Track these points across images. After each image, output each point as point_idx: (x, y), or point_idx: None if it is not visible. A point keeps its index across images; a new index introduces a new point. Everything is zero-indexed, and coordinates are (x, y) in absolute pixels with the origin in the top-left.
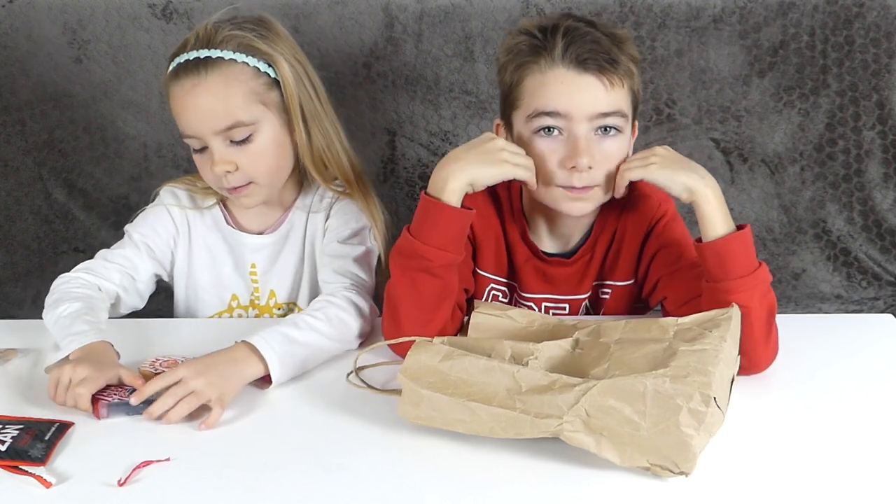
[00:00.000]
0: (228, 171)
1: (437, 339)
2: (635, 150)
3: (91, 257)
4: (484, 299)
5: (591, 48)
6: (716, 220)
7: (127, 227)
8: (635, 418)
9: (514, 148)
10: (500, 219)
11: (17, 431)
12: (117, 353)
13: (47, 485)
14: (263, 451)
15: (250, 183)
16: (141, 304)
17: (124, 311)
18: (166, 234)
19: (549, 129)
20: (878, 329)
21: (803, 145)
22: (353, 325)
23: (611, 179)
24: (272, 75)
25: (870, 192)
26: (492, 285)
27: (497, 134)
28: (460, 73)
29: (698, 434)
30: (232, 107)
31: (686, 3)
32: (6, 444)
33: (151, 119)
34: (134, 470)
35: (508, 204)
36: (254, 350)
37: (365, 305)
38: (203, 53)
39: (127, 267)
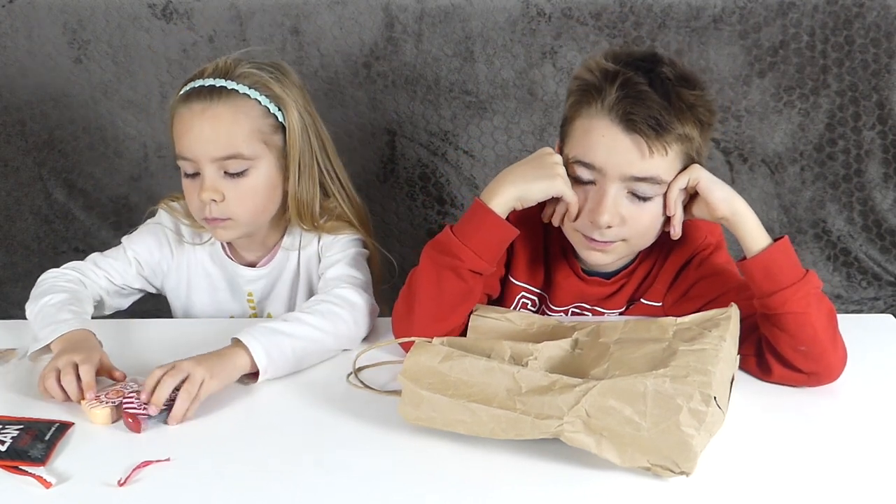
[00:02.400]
0: (214, 200)
1: (436, 340)
2: None
3: None
4: (513, 307)
5: (641, 109)
6: (756, 234)
7: (124, 239)
8: (636, 418)
9: None
10: (544, 233)
11: (17, 431)
12: (100, 342)
13: (47, 485)
14: (264, 452)
15: (229, 218)
16: (125, 306)
17: (107, 312)
18: (160, 256)
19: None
20: (878, 329)
21: (803, 145)
22: (346, 316)
23: (638, 237)
24: (280, 119)
25: (870, 192)
26: (522, 293)
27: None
28: (460, 73)
29: (699, 434)
30: (234, 138)
31: (686, 3)
32: (6, 445)
33: (151, 119)
34: (134, 470)
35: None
36: (240, 343)
37: (360, 300)
38: (219, 82)
39: (114, 277)
